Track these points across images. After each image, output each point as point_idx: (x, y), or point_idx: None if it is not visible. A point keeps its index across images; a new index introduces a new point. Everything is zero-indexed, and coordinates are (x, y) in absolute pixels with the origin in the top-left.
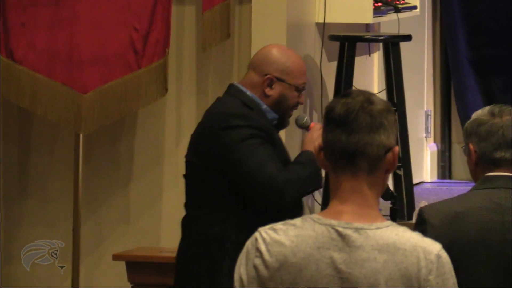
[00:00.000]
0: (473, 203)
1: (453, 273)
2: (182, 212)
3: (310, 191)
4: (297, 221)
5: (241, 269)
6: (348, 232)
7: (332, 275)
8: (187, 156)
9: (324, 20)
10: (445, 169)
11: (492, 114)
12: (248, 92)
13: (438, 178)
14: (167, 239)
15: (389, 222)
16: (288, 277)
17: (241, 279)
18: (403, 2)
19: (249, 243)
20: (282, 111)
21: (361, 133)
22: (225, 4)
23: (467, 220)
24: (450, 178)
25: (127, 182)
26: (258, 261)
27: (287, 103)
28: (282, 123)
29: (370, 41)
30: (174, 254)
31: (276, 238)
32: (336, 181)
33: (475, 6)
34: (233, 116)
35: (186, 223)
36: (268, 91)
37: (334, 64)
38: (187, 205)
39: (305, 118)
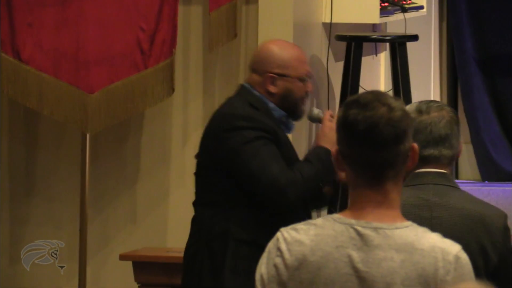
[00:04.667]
0: (402, 199)
1: (472, 274)
2: (188, 212)
3: (319, 188)
4: (319, 220)
5: (262, 268)
6: (367, 231)
7: (350, 273)
8: (196, 155)
9: (331, 20)
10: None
11: (419, 111)
12: (256, 92)
13: None
14: (173, 239)
15: (409, 223)
16: (307, 276)
17: (262, 278)
18: (409, 2)
19: (270, 243)
20: (292, 105)
21: (388, 146)
22: (231, 4)
23: None
24: (457, 178)
25: (134, 182)
26: (278, 260)
27: (295, 95)
28: (295, 115)
29: (377, 41)
30: (180, 254)
31: (297, 237)
32: (357, 184)
33: (481, 5)
34: (237, 117)
35: (192, 221)
36: (272, 89)
37: (340, 64)
38: (195, 203)
39: (316, 111)
